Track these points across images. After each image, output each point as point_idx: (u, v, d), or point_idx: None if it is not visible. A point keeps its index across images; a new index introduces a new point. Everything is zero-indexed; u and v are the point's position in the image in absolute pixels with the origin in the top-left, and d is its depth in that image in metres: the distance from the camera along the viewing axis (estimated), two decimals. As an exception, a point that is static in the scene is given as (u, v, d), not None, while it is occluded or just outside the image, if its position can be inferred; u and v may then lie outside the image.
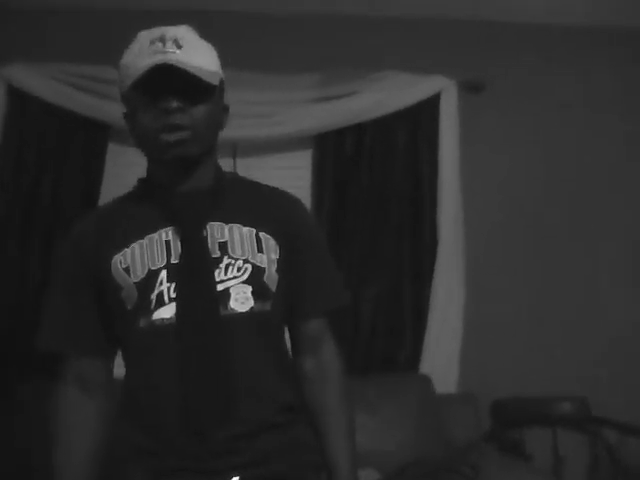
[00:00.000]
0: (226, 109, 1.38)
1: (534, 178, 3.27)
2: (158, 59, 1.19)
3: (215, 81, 1.27)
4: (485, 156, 3.24)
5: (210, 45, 1.32)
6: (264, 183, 1.45)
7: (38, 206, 2.91)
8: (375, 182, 3.08)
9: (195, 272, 1.23)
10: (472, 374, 3.06)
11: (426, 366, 3.02)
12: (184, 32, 1.27)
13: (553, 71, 3.31)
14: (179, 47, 1.22)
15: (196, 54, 1.24)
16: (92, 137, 2.96)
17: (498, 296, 3.18)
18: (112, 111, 2.90)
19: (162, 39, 1.22)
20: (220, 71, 1.32)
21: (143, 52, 1.22)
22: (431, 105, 3.11)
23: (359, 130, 3.07)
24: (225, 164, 3.02)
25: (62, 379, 1.35)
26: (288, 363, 1.37)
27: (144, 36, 1.25)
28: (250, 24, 3.10)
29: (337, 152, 3.07)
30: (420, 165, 3.10)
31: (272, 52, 3.07)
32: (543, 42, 3.32)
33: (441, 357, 3.04)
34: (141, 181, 1.39)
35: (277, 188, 1.44)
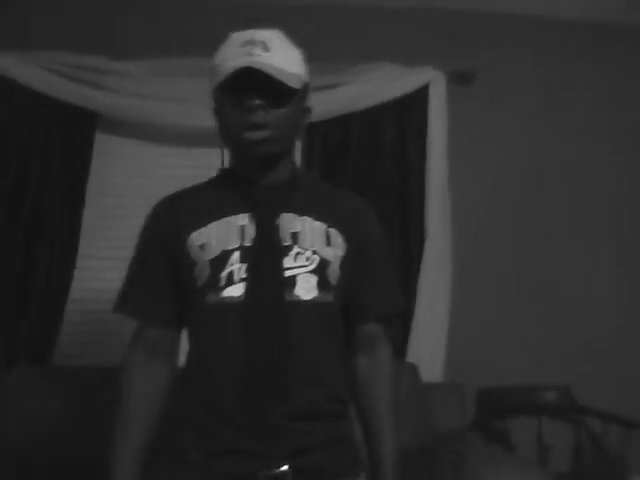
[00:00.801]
0: (308, 111, 1.46)
1: (523, 170, 3.29)
2: (244, 61, 1.27)
3: (297, 84, 1.34)
4: (474, 148, 3.25)
5: (297, 50, 1.40)
6: (337, 186, 1.56)
7: (24, 196, 2.89)
8: (363, 173, 3.08)
9: (265, 256, 1.31)
10: (458, 363, 3.08)
11: (413, 355, 3.04)
12: (273, 36, 1.35)
13: (543, 63, 3.33)
14: (266, 50, 1.30)
15: (282, 58, 1.32)
16: (79, 126, 2.95)
17: (484, 287, 3.20)
18: (99, 100, 2.90)
19: (252, 42, 1.31)
20: (304, 75, 1.40)
21: (233, 54, 1.30)
22: (419, 96, 3.11)
23: (347, 121, 3.07)
24: (213, 153, 3.03)
25: (133, 345, 1.44)
26: (341, 355, 1.42)
27: (235, 38, 1.33)
28: (235, 14, 3.08)
29: (325, 143, 3.07)
30: (408, 157, 3.11)
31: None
32: (533, 34, 3.33)
33: (428, 346, 3.05)
34: (223, 170, 1.49)
35: (349, 191, 1.54)
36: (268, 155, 1.36)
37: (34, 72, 2.87)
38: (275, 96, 1.31)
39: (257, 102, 1.29)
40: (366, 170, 3.08)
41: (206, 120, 2.87)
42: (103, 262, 3.03)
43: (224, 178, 1.47)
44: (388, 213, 3.08)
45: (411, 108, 3.11)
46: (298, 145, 3.11)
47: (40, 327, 2.87)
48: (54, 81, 2.88)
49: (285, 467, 1.26)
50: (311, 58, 3.07)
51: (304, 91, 1.41)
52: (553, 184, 3.31)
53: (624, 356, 3.25)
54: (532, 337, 3.21)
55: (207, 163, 3.06)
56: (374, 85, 3.06)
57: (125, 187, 3.08)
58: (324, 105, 2.99)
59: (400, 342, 3.04)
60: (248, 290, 1.29)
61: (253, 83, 1.28)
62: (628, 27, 3.34)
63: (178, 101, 2.89)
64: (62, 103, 2.89)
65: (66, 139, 2.93)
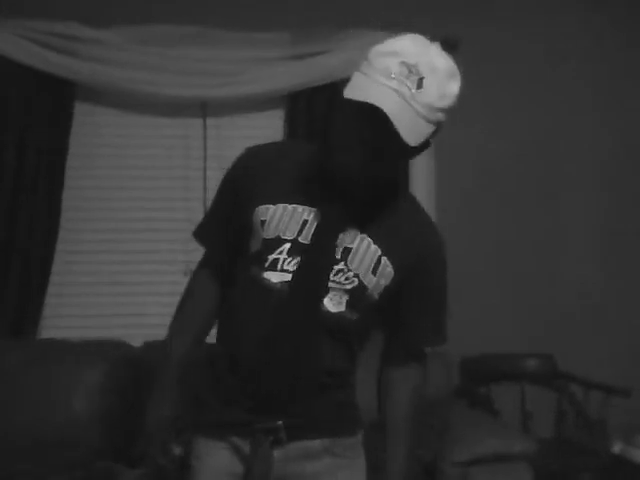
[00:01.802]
0: (425, 146, 1.30)
1: (507, 138, 3.28)
2: (382, 95, 1.16)
3: (422, 139, 1.22)
4: (458, 116, 3.23)
5: (455, 83, 1.26)
6: (425, 213, 1.51)
7: (4, 165, 2.85)
8: (347, 142, 3.06)
9: (317, 261, 1.33)
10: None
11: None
12: (437, 68, 1.22)
13: (528, 29, 3.29)
14: (420, 87, 1.18)
15: (428, 102, 1.19)
16: (59, 96, 2.90)
17: (467, 257, 3.21)
18: (79, 69, 2.85)
19: (410, 68, 1.18)
20: (442, 117, 1.26)
21: (387, 68, 1.19)
22: (403, 64, 3.09)
23: (331, 89, 3.04)
24: (194, 124, 3.00)
25: (200, 262, 1.54)
26: (354, 367, 1.47)
27: (401, 51, 1.22)
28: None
29: (309, 112, 3.04)
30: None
31: (242, 9, 3.01)
32: (517, 3, 3.29)
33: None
34: (320, 147, 1.39)
35: (432, 223, 1.51)
36: (349, 180, 1.30)
37: (10, 40, 2.81)
38: (393, 141, 1.18)
39: (368, 135, 1.21)
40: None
41: (186, 89, 2.87)
42: (85, 234, 3.01)
43: (316, 158, 1.38)
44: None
45: (395, 76, 3.08)
46: (280, 114, 3.09)
47: (24, 300, 2.85)
48: (31, 49, 2.81)
49: (279, 422, 1.35)
50: (294, 25, 3.05)
51: (427, 142, 1.28)
52: (537, 153, 3.31)
53: (604, 324, 3.29)
54: (515, 306, 3.23)
55: (186, 133, 3.07)
56: (358, 53, 3.02)
57: (106, 156, 3.04)
58: (308, 73, 2.96)
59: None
60: (291, 285, 1.33)
61: (380, 111, 1.16)
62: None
63: (158, 70, 2.84)
64: (40, 72, 2.83)
65: (45, 108, 2.88)
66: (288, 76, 2.95)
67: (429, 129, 1.23)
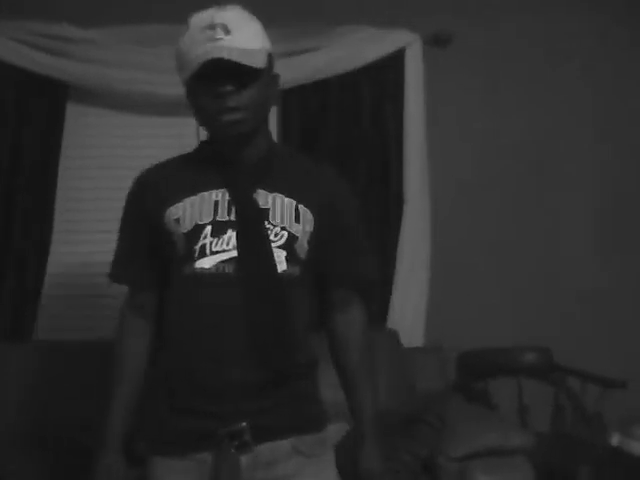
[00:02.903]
0: (276, 78, 1.48)
1: (501, 133, 3.28)
2: (208, 50, 1.31)
3: (263, 62, 1.37)
4: (451, 111, 3.23)
5: (257, 24, 1.42)
6: (310, 158, 1.59)
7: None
8: (341, 138, 3.06)
9: (253, 230, 1.39)
10: (439, 327, 3.10)
11: (393, 321, 3.05)
12: (232, 16, 1.36)
13: (521, 24, 3.29)
14: (227, 32, 1.33)
15: (244, 37, 1.34)
16: (51, 97, 2.89)
17: (463, 251, 3.22)
18: (68, 69, 2.84)
19: (212, 26, 1.33)
20: (267, 45, 1.42)
21: (196, 40, 1.34)
22: (396, 60, 3.08)
23: (324, 85, 3.04)
24: (189, 123, 2.99)
25: (125, 306, 1.56)
26: (308, 324, 1.48)
27: (196, 23, 1.36)
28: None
29: (303, 109, 3.04)
30: (386, 120, 3.09)
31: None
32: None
33: (408, 312, 3.07)
34: (203, 143, 1.53)
35: (323, 163, 1.59)
36: (243, 135, 1.40)
37: (2, 42, 2.80)
38: (243, 76, 1.34)
39: (228, 88, 1.33)
40: (344, 134, 3.06)
41: (178, 88, 2.86)
42: (79, 235, 3.00)
43: (202, 152, 1.52)
44: (367, 178, 3.07)
45: (388, 71, 3.08)
46: (275, 111, 3.09)
47: (19, 301, 2.84)
48: (22, 51, 2.80)
49: (243, 424, 1.34)
50: (286, 22, 3.06)
51: (270, 62, 1.43)
52: (529, 146, 3.30)
53: (600, 317, 3.29)
54: (512, 299, 3.24)
55: (181, 132, 3.06)
56: (351, 49, 3.02)
57: (99, 157, 3.03)
58: (301, 70, 2.96)
59: (380, 308, 3.06)
60: (241, 263, 1.36)
61: (221, 68, 1.31)
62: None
63: (149, 69, 2.84)
64: (31, 73, 2.82)
65: (37, 110, 2.87)
66: (281, 73, 2.92)
67: (263, 54, 1.38)
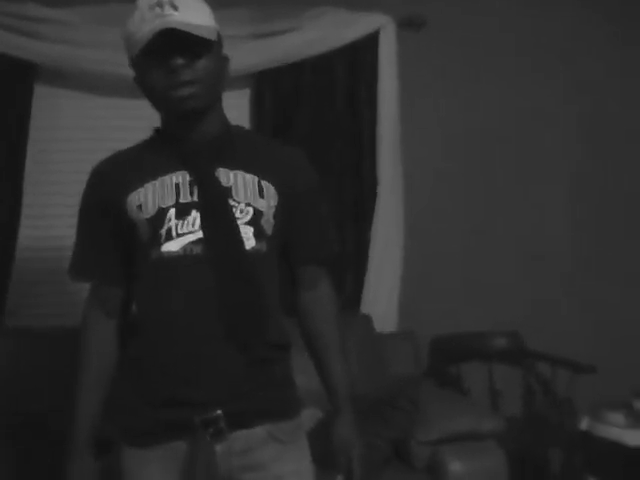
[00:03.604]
0: (226, 59, 1.48)
1: (474, 117, 3.28)
2: (159, 23, 1.30)
3: (213, 36, 1.37)
4: (425, 94, 3.22)
5: (205, 5, 1.42)
6: (269, 137, 1.63)
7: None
8: (315, 121, 3.04)
9: (217, 209, 1.38)
10: (411, 313, 3.11)
11: (366, 306, 3.05)
12: None
13: (494, 7, 3.29)
14: (175, 9, 1.32)
15: (192, 13, 1.34)
16: (18, 78, 2.82)
17: (435, 237, 3.22)
18: (36, 49, 2.77)
19: (159, 3, 1.32)
20: (216, 25, 1.41)
21: (145, 18, 1.33)
22: (370, 42, 3.07)
23: (297, 68, 3.01)
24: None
25: (88, 302, 1.53)
26: (278, 302, 1.48)
27: (143, 2, 1.35)
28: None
29: (275, 91, 3.01)
30: (360, 104, 3.08)
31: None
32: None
33: (381, 297, 3.07)
34: (156, 130, 1.52)
35: (280, 140, 1.61)
36: (196, 109, 1.38)
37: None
38: (194, 51, 1.34)
39: (180, 61, 1.32)
40: (318, 118, 3.04)
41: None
42: (48, 220, 2.95)
43: (157, 138, 1.51)
44: (341, 161, 3.06)
45: (361, 54, 3.07)
46: (247, 93, 3.06)
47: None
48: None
49: (219, 411, 1.33)
50: (259, 3, 3.01)
51: (219, 42, 1.43)
52: (503, 131, 3.32)
53: (570, 301, 3.33)
54: (483, 285, 3.26)
55: (151, 113, 3.02)
56: (324, 31, 3.00)
57: (68, 140, 2.98)
58: (274, 52, 2.93)
59: (353, 294, 3.06)
60: (208, 243, 1.35)
61: (170, 42, 1.31)
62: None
63: (116, 49, 2.78)
64: (-3, 54, 2.75)
65: (4, 91, 2.80)
66: (253, 55, 2.90)
67: (213, 30, 1.38)
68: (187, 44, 1.32)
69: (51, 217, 2.95)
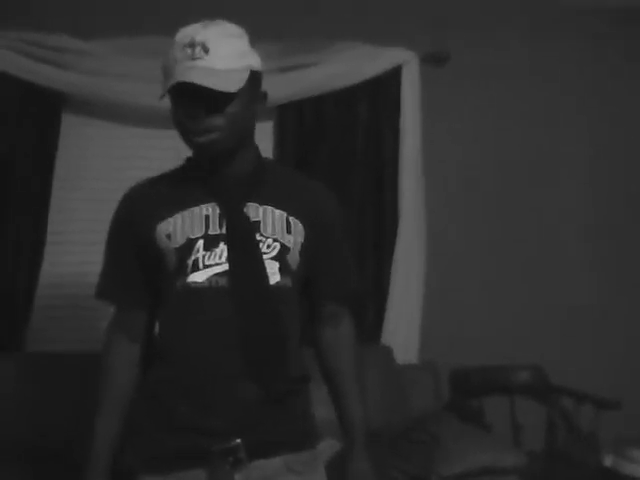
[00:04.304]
0: (263, 97, 1.47)
1: (496, 151, 3.29)
2: (184, 69, 1.31)
3: (240, 83, 1.34)
4: (447, 129, 3.24)
5: (242, 41, 1.40)
6: (299, 172, 1.63)
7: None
8: (337, 154, 3.06)
9: (244, 243, 1.38)
10: (433, 345, 3.09)
11: (387, 338, 3.04)
12: (213, 34, 1.35)
13: (517, 45, 3.32)
14: (206, 52, 1.32)
15: (223, 57, 1.33)
16: (46, 108, 2.88)
17: (458, 267, 3.22)
18: (67, 80, 2.83)
19: (192, 44, 1.32)
20: (253, 62, 1.40)
21: (176, 58, 1.34)
22: (393, 77, 3.09)
23: (321, 101, 3.04)
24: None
25: (111, 325, 1.54)
26: (299, 338, 1.48)
27: (178, 39, 1.36)
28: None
29: (299, 124, 3.05)
30: (381, 137, 3.10)
31: (230, 20, 3.00)
32: (504, 16, 3.31)
33: (402, 329, 3.06)
34: (189, 159, 1.52)
35: (312, 179, 1.59)
36: (221, 153, 1.39)
37: (-2, 52, 2.80)
38: (219, 97, 1.33)
39: (201, 111, 1.33)
40: (340, 151, 3.06)
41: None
42: (74, 246, 2.98)
43: (189, 166, 1.51)
44: (362, 194, 3.08)
45: (385, 88, 3.10)
46: (270, 126, 3.09)
47: (10, 312, 2.82)
48: (19, 61, 2.79)
49: (238, 441, 1.33)
50: (284, 37, 3.06)
51: (254, 79, 1.40)
52: (525, 165, 3.32)
53: (595, 336, 3.29)
54: (505, 318, 3.23)
55: (178, 145, 3.04)
56: (348, 65, 3.03)
57: (95, 169, 3.03)
58: (297, 85, 2.96)
59: (374, 325, 3.05)
60: (233, 276, 1.36)
61: (198, 88, 1.30)
62: (598, 9, 3.34)
63: (146, 80, 2.83)
64: (27, 84, 2.81)
65: (33, 120, 2.86)
66: (277, 89, 2.92)
67: (242, 75, 1.36)
68: (212, 91, 1.31)
69: (76, 244, 2.98)
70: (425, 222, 3.12)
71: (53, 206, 2.90)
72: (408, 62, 3.10)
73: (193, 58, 1.32)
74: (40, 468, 2.39)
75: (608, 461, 2.93)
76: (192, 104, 1.33)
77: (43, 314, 2.91)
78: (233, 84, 1.33)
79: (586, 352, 3.24)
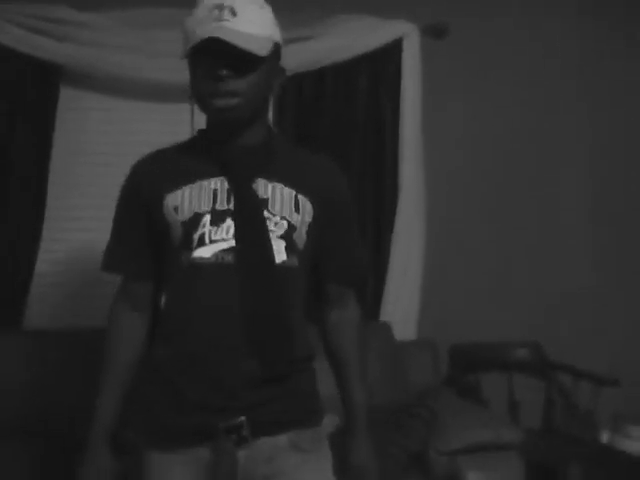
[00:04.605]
0: (282, 71, 1.47)
1: (496, 125, 3.27)
2: (211, 29, 1.29)
3: (265, 50, 1.34)
4: (447, 101, 3.22)
5: (268, 11, 1.39)
6: (310, 150, 1.58)
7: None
8: (336, 127, 3.04)
9: (251, 220, 1.37)
10: (431, 321, 3.10)
11: (386, 314, 3.04)
12: (242, 0, 1.34)
13: (518, 17, 3.28)
14: (234, 14, 1.30)
15: (250, 22, 1.32)
16: (44, 80, 2.84)
17: (457, 244, 3.21)
18: (65, 52, 2.80)
19: (220, 7, 1.31)
20: (276, 35, 1.39)
21: (202, 19, 1.31)
22: (393, 50, 3.06)
23: (320, 75, 3.01)
24: (182, 109, 2.97)
25: (118, 296, 1.53)
26: (305, 314, 1.47)
27: (205, 1, 1.34)
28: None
29: (297, 97, 3.02)
30: (382, 110, 3.07)
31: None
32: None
33: (401, 305, 3.06)
34: (200, 132, 1.50)
35: (322, 155, 1.57)
36: (235, 121, 1.38)
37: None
38: (244, 61, 1.32)
39: (225, 72, 1.31)
40: (340, 125, 3.04)
41: (175, 74, 2.81)
42: (72, 222, 2.97)
43: (200, 139, 1.50)
44: (362, 168, 3.06)
45: (385, 61, 3.06)
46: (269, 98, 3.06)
47: (9, 288, 2.81)
48: (16, 32, 2.74)
49: (242, 418, 1.33)
50: (283, 9, 3.00)
51: (276, 52, 1.40)
52: (526, 140, 3.30)
53: (593, 312, 3.30)
54: (504, 294, 3.24)
55: (177, 118, 3.04)
56: (348, 38, 3.00)
57: (94, 142, 3.00)
58: (297, 58, 2.92)
59: (373, 302, 3.05)
60: (238, 253, 1.34)
61: (222, 50, 1.29)
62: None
63: (146, 53, 2.80)
64: (24, 56, 2.77)
65: (30, 93, 2.82)
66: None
67: (267, 43, 1.35)
68: (237, 54, 1.30)
69: (75, 219, 2.97)
70: (425, 197, 3.11)
71: (51, 180, 2.87)
72: (408, 34, 3.07)
73: (220, 20, 1.30)
74: (40, 447, 2.39)
75: (605, 438, 2.95)
76: (214, 65, 1.31)
77: (42, 291, 2.90)
78: (259, 48, 1.32)
79: (584, 329, 3.24)
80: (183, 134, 2.94)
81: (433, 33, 3.11)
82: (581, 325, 3.25)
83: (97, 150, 2.98)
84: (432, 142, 3.13)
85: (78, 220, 2.96)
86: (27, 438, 2.45)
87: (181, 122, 2.93)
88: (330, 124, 3.03)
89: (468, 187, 3.25)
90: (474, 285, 3.22)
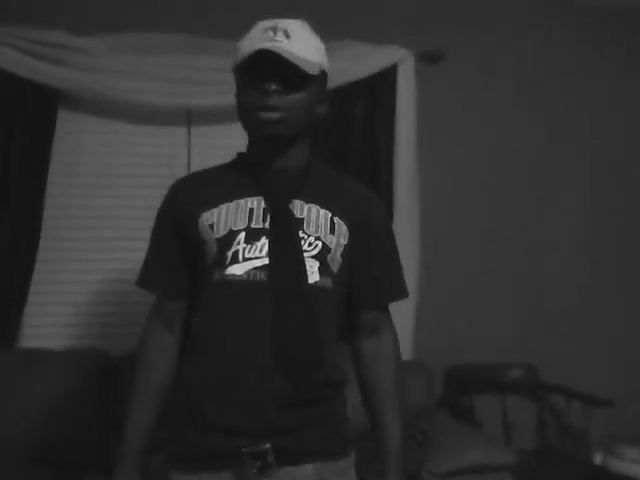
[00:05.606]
0: (326, 100, 1.51)
1: (490, 150, 3.30)
2: (264, 45, 1.33)
3: (314, 71, 1.39)
4: (442, 126, 3.25)
5: (319, 41, 1.47)
6: (347, 175, 1.59)
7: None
8: (332, 152, 3.05)
9: (286, 238, 1.37)
10: (426, 343, 3.10)
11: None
12: (296, 25, 1.41)
13: (513, 43, 3.33)
14: (287, 37, 1.36)
15: (302, 46, 1.37)
16: (42, 104, 2.86)
17: (451, 266, 3.23)
18: (61, 76, 2.82)
19: (274, 29, 1.37)
20: (324, 63, 1.45)
21: (255, 38, 1.37)
22: (388, 75, 3.09)
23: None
24: (179, 132, 2.99)
25: (151, 313, 1.53)
26: (337, 339, 1.45)
27: (261, 24, 1.40)
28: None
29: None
30: (377, 135, 3.10)
31: (228, 17, 3.01)
32: (501, 14, 3.32)
33: (395, 325, 3.06)
34: (240, 154, 1.53)
35: (359, 182, 1.57)
36: (278, 136, 1.40)
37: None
38: (292, 82, 1.36)
39: (273, 87, 1.34)
40: (335, 148, 3.06)
41: (172, 98, 2.86)
42: (67, 242, 2.98)
43: (239, 161, 1.52)
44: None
45: (380, 87, 3.09)
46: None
47: (3, 307, 2.82)
48: (14, 57, 2.77)
49: (267, 445, 1.31)
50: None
51: (322, 80, 1.45)
52: (521, 163, 3.33)
53: (585, 334, 3.31)
54: (498, 316, 3.25)
55: (172, 141, 3.06)
56: (342, 64, 3.02)
57: (90, 165, 3.00)
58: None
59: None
60: (272, 271, 1.34)
61: (272, 67, 1.34)
62: (598, 8, 3.35)
63: (143, 78, 2.83)
64: (23, 80, 2.80)
65: (28, 117, 2.84)
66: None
67: (316, 67, 1.40)
68: (287, 74, 1.35)
69: (71, 240, 2.97)
70: (419, 222, 3.13)
71: (48, 202, 2.89)
72: (403, 60, 3.10)
73: (273, 39, 1.35)
74: (35, 469, 2.40)
75: (598, 458, 2.95)
76: (263, 80, 1.35)
77: (36, 310, 2.90)
78: (310, 68, 1.37)
79: (576, 351, 3.26)
80: (179, 156, 3.04)
81: (428, 59, 3.14)
82: (573, 346, 3.27)
83: (92, 172, 2.99)
84: (427, 168, 3.15)
85: (73, 240, 2.97)
86: (23, 460, 2.44)
87: (177, 144, 2.94)
88: (325, 149, 3.04)
89: (463, 211, 3.27)
90: (468, 306, 3.23)
